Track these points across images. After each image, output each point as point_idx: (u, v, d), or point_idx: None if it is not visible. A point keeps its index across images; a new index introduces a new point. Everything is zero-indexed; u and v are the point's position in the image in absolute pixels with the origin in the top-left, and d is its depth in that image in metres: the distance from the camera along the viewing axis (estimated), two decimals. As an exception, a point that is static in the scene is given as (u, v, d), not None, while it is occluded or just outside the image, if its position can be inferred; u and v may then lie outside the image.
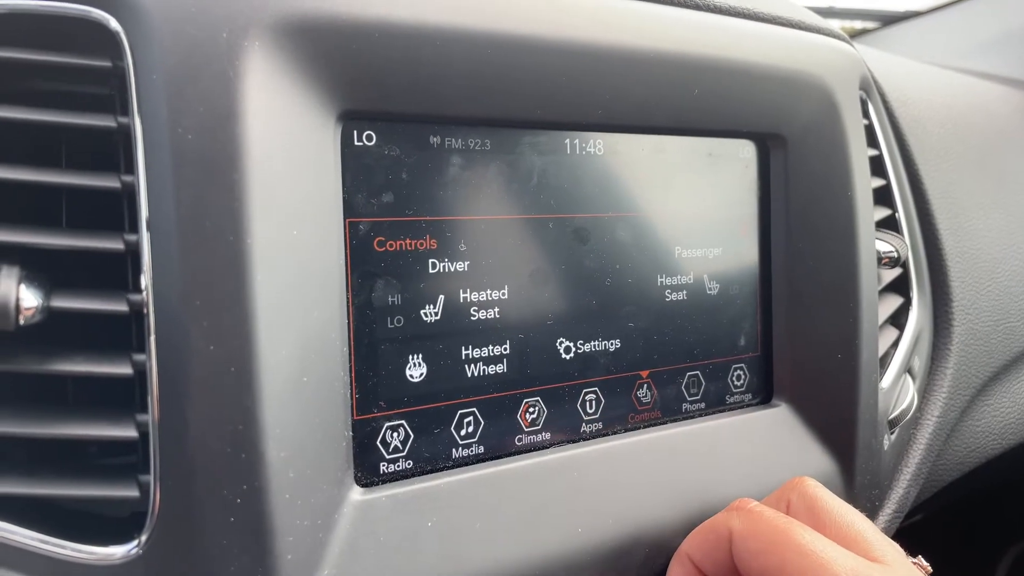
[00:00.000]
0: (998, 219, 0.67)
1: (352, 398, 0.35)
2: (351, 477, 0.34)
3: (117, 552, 0.30)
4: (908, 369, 0.56)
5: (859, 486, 0.49)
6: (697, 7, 0.43)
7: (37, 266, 0.30)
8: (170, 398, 0.30)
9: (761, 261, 0.49)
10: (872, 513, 0.52)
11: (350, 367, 0.35)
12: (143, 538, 0.30)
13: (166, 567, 0.30)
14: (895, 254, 0.53)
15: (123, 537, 0.30)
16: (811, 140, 0.48)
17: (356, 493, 0.34)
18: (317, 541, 0.32)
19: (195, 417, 0.29)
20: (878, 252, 0.51)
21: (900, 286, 0.59)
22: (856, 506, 0.49)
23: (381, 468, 0.36)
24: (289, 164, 0.31)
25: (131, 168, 0.30)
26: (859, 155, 0.49)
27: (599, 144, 0.42)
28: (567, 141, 0.41)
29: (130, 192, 0.30)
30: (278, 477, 0.30)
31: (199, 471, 0.29)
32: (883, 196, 0.57)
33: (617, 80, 0.40)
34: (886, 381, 0.53)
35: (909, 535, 0.60)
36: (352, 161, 0.35)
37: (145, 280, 0.30)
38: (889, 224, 0.58)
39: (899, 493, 0.55)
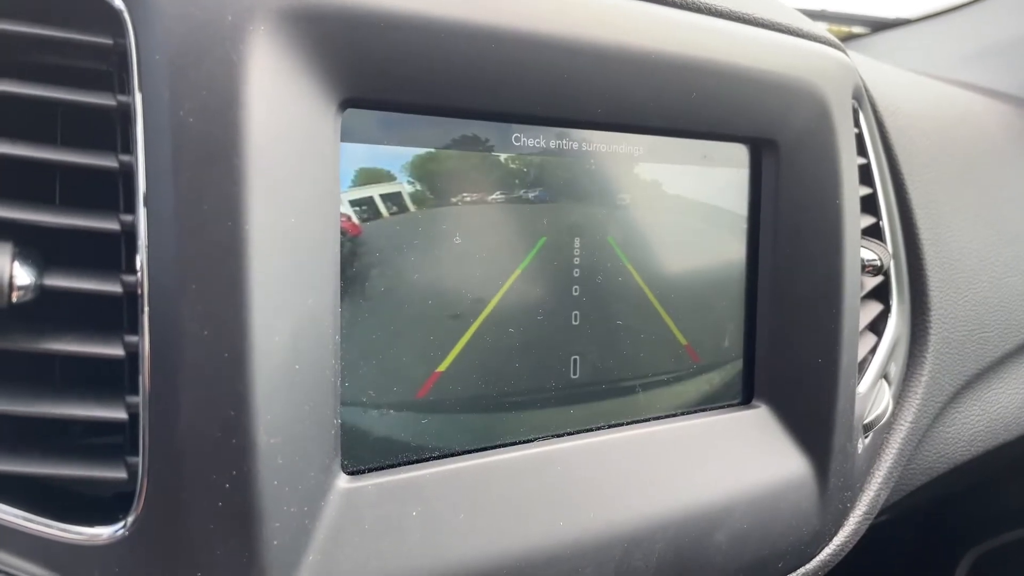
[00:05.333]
0: (979, 231, 0.68)
1: (341, 387, 0.35)
2: (338, 465, 0.35)
3: (103, 533, 0.30)
4: (884, 375, 0.57)
5: (832, 488, 0.50)
6: (698, 9, 0.43)
7: (30, 244, 0.29)
8: (161, 381, 0.29)
9: (748, 264, 0.50)
10: (843, 515, 0.53)
11: (340, 355, 0.35)
12: (129, 520, 0.30)
13: (152, 549, 0.30)
14: (878, 262, 0.54)
15: (108, 517, 0.30)
16: (803, 147, 0.48)
17: (343, 481, 0.34)
18: (303, 528, 0.32)
19: (186, 401, 0.29)
20: (862, 260, 0.52)
21: (880, 293, 0.60)
22: (828, 508, 0.50)
23: (368, 457, 0.37)
24: (290, 151, 0.31)
25: (128, 148, 0.30)
26: (849, 164, 0.49)
27: (596, 142, 0.43)
28: (564, 139, 0.41)
29: (127, 172, 0.30)
30: (267, 463, 0.31)
31: (188, 455, 0.29)
32: (869, 204, 0.58)
33: (617, 79, 0.40)
34: (863, 386, 0.54)
35: (874, 534, 0.62)
36: (351, 150, 0.35)
37: (140, 260, 0.29)
38: (873, 232, 0.59)
39: (870, 496, 0.56)
